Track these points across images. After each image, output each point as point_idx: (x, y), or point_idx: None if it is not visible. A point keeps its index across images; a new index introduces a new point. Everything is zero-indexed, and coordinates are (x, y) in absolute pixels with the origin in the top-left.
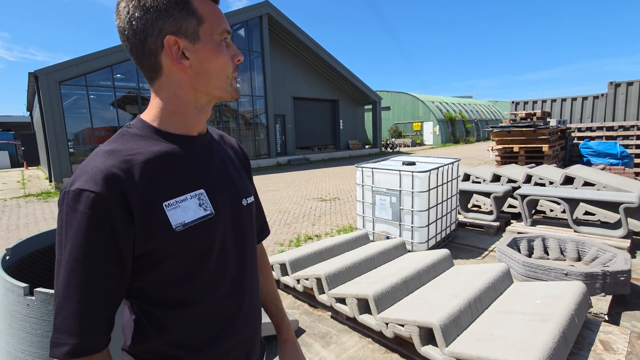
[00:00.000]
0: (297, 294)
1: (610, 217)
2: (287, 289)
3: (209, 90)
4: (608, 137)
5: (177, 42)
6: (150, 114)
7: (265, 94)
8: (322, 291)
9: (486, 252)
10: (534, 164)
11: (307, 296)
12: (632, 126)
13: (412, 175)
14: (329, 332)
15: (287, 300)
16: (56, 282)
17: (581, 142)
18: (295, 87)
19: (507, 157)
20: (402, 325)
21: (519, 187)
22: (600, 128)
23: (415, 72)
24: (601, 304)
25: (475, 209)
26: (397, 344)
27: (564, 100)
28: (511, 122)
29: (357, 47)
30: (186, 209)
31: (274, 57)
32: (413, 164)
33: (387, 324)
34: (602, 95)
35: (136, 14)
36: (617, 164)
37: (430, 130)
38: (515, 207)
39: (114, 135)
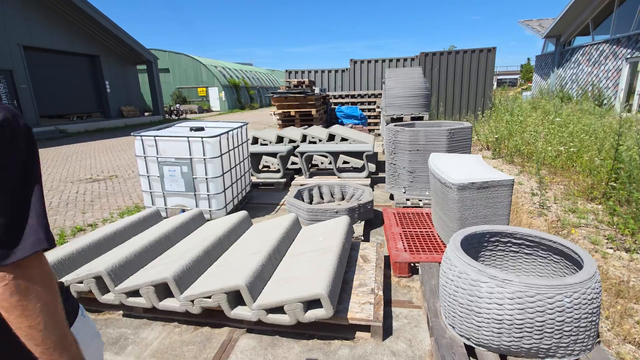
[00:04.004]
0: None
1: (358, 163)
2: None
3: None
4: (352, 103)
5: None
6: None
7: None
8: (105, 290)
9: (278, 207)
10: (307, 125)
11: (85, 302)
12: (365, 94)
13: (202, 141)
14: (123, 333)
15: None
16: None
17: (336, 107)
18: (25, 33)
19: (286, 121)
20: (209, 297)
21: (298, 146)
22: (347, 95)
23: (194, 32)
24: (359, 228)
25: (265, 169)
26: (208, 316)
27: (323, 71)
28: (287, 89)
29: None
30: None
31: None
32: (202, 129)
33: (192, 301)
34: (347, 69)
35: None
36: (359, 124)
37: (216, 96)
38: (296, 163)
39: None
